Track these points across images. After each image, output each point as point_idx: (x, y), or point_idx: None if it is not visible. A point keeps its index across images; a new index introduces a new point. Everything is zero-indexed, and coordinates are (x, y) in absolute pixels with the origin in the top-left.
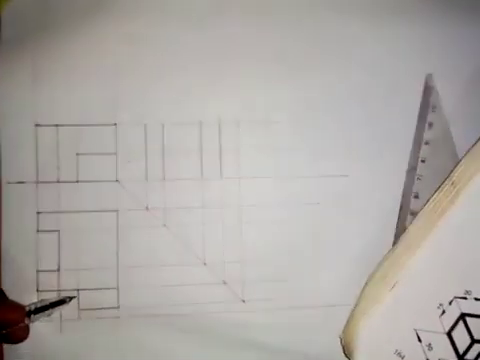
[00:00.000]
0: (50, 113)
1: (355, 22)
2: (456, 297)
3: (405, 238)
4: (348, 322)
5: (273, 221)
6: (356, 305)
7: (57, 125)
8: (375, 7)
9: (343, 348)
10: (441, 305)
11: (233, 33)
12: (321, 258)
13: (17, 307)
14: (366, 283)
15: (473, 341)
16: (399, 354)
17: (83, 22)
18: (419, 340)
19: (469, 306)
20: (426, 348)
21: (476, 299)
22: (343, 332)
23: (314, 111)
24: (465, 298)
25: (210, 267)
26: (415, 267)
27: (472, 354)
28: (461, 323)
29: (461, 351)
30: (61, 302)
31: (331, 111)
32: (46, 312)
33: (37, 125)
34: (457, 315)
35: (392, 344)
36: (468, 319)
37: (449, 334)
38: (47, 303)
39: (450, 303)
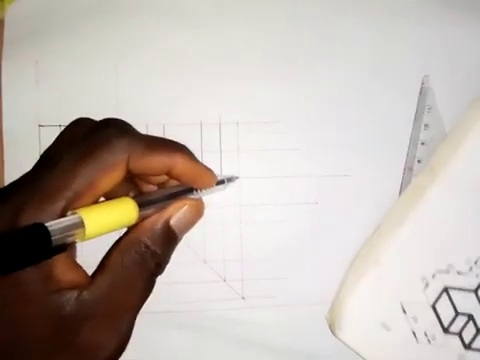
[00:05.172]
0: (53, 114)
1: (353, 23)
2: (439, 270)
3: (388, 218)
4: (335, 298)
5: (273, 221)
6: (342, 282)
7: (60, 125)
8: (373, 8)
9: (329, 325)
10: (424, 278)
11: (233, 33)
12: (320, 257)
13: (210, 170)
14: (352, 261)
15: (457, 313)
16: (385, 326)
17: (85, 23)
18: (404, 312)
19: (452, 279)
20: (411, 320)
21: (458, 272)
22: (330, 309)
23: (313, 111)
24: (447, 272)
25: (210, 265)
26: (398, 243)
27: (456, 326)
28: (445, 296)
29: (446, 323)
30: (228, 180)
31: (329, 111)
32: (220, 186)
33: (40, 125)
34: (440, 288)
35: (378, 317)
36: (451, 292)
37: (433, 307)
38: (224, 178)
39: (433, 276)
